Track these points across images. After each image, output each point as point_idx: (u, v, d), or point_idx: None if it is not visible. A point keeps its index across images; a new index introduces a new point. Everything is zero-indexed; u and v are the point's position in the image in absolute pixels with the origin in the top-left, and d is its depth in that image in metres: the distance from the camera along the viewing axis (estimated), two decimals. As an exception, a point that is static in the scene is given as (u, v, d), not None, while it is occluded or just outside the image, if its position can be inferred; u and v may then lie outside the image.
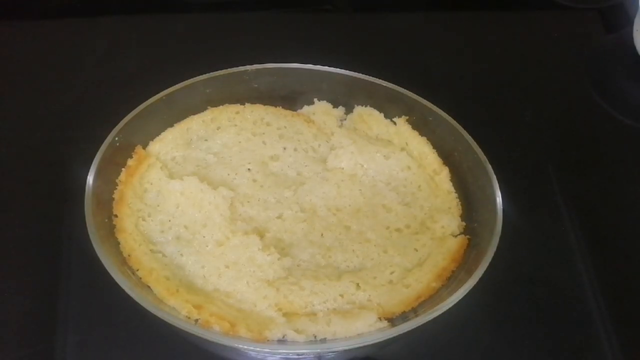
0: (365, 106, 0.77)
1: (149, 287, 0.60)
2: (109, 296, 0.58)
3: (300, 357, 0.62)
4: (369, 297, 0.61)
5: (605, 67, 0.95)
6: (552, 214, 0.74)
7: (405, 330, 0.55)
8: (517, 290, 0.67)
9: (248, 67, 0.76)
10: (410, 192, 0.71)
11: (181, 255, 0.63)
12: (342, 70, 0.76)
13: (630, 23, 0.91)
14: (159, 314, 0.54)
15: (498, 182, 0.65)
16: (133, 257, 0.61)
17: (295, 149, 0.73)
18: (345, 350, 0.61)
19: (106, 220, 0.64)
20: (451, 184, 0.71)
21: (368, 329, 0.58)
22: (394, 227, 0.68)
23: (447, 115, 0.72)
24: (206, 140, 0.74)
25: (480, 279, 0.58)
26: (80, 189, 0.62)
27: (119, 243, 0.63)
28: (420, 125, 0.74)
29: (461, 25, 1.00)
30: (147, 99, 0.71)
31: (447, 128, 0.72)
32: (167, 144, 0.72)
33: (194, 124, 0.75)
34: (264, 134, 0.75)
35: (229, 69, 0.75)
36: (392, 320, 0.60)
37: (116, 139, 0.67)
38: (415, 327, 0.55)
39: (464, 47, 0.96)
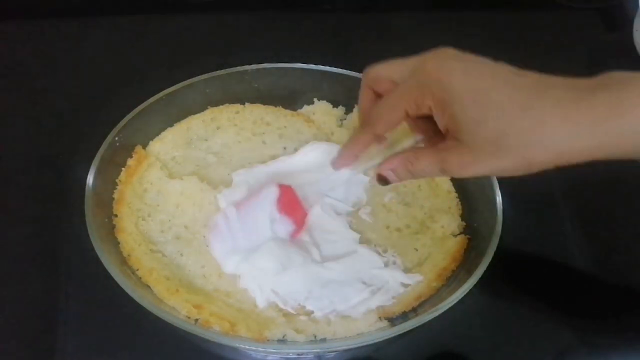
0: (365, 106, 0.77)
1: (149, 287, 0.59)
2: (109, 296, 0.58)
3: (300, 357, 0.62)
4: (369, 297, 0.61)
5: (605, 67, 0.94)
6: (552, 214, 0.74)
7: (405, 330, 0.55)
8: (517, 290, 0.67)
9: (248, 67, 0.76)
10: (410, 191, 0.71)
11: (181, 255, 0.63)
12: (342, 70, 0.76)
13: (630, 23, 0.90)
14: (159, 314, 0.54)
15: (498, 182, 0.65)
16: (133, 257, 0.61)
17: (295, 149, 0.73)
18: (345, 350, 0.61)
19: (106, 220, 0.64)
20: (451, 183, 0.71)
21: (368, 329, 0.58)
22: (394, 226, 0.68)
23: (447, 115, 0.72)
24: (206, 140, 0.74)
25: (480, 279, 0.58)
26: (80, 189, 0.62)
27: (119, 243, 0.63)
28: (420, 125, 0.74)
29: (461, 25, 0.99)
30: (147, 99, 0.71)
31: (447, 128, 0.71)
32: (167, 143, 0.72)
33: (194, 124, 0.75)
34: (264, 133, 0.75)
35: (229, 69, 0.75)
36: (392, 320, 0.60)
37: (116, 139, 0.67)
38: (415, 327, 0.55)
39: (463, 47, 0.95)
